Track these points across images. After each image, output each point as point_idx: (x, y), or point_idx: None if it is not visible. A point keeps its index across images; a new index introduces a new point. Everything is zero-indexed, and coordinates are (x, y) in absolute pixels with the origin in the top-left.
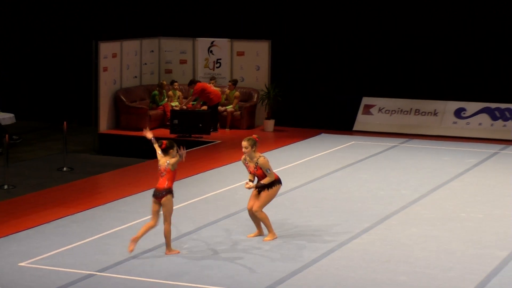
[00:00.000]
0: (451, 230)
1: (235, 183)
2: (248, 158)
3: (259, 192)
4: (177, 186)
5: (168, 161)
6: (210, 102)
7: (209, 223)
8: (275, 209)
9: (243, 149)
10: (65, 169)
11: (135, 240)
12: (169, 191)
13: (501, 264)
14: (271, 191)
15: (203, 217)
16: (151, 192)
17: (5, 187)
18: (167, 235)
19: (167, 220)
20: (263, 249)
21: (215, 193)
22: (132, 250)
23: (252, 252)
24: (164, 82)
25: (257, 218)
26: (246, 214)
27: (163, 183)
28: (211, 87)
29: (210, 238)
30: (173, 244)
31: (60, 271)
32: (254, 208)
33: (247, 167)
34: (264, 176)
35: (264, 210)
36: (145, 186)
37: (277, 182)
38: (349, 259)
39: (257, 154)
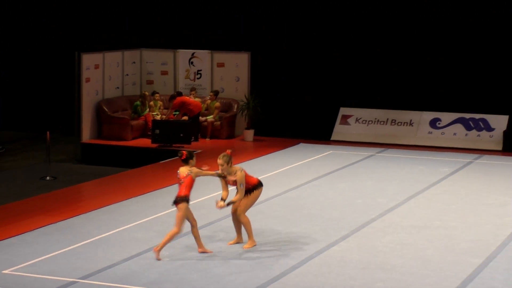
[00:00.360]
0: (426, 238)
1: (215, 192)
2: (225, 173)
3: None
4: (158, 195)
5: (190, 170)
6: (191, 113)
7: (189, 231)
8: (254, 217)
9: (220, 167)
10: (48, 178)
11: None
12: (185, 199)
13: (475, 271)
14: (253, 194)
15: (184, 226)
16: (132, 200)
17: None
18: (170, 236)
19: (178, 225)
20: (243, 256)
21: (195, 201)
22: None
23: (232, 259)
24: (146, 93)
25: (239, 222)
26: (225, 223)
27: (181, 191)
28: (191, 99)
29: (190, 245)
30: (154, 252)
31: (43, 278)
32: (238, 211)
33: (225, 181)
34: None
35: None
36: (126, 195)
37: (258, 185)
38: (327, 266)
39: (234, 169)
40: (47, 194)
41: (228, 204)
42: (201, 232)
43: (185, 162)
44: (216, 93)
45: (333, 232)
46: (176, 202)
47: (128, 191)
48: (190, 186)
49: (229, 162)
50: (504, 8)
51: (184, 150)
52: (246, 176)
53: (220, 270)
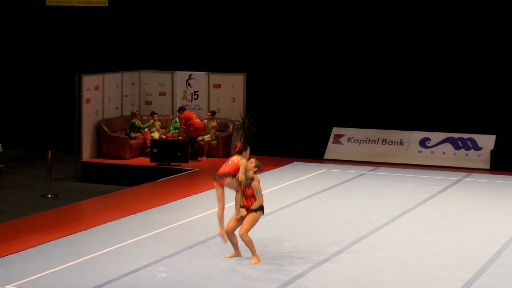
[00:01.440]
0: (416, 254)
1: (211, 209)
2: (247, 175)
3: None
4: (156, 212)
5: (239, 159)
6: (190, 133)
7: (187, 247)
8: (250, 234)
9: (249, 163)
10: (49, 196)
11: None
12: (230, 175)
13: (464, 287)
14: (255, 215)
15: (181, 242)
16: (131, 217)
17: None
18: (220, 214)
19: (238, 190)
20: (238, 272)
21: (192, 218)
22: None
23: (227, 275)
24: (136, 111)
25: (234, 238)
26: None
27: (224, 169)
28: (195, 120)
29: (187, 261)
30: (152, 268)
31: None
32: (240, 232)
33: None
34: (252, 195)
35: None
36: (125, 212)
37: (261, 209)
38: (320, 281)
39: (253, 176)
40: (48, 211)
41: (248, 212)
42: (198, 249)
43: (239, 153)
44: (213, 113)
45: (326, 248)
46: (221, 178)
47: (127, 208)
48: (235, 169)
49: (256, 167)
50: (489, 32)
51: (238, 143)
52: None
53: (216, 285)
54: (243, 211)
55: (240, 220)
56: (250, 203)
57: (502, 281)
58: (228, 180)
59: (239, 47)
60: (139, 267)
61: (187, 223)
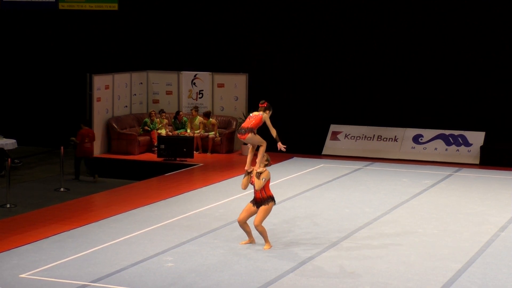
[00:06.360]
0: (409, 244)
1: (215, 202)
2: (258, 167)
3: (257, 206)
4: (163, 205)
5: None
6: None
7: (192, 238)
8: (251, 225)
9: (265, 156)
10: (62, 189)
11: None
12: (253, 130)
13: (455, 275)
14: (268, 206)
15: (187, 233)
16: (139, 210)
17: (7, 206)
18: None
19: (262, 144)
20: (241, 262)
21: (197, 211)
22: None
23: (230, 265)
24: (152, 111)
25: (247, 227)
26: (226, 230)
27: (249, 123)
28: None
29: (193, 251)
30: (159, 258)
31: (57, 282)
32: (255, 223)
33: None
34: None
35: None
36: (134, 205)
37: (273, 199)
38: (318, 270)
39: (264, 168)
40: (61, 204)
41: (256, 175)
42: (203, 239)
43: (263, 110)
44: (207, 114)
45: (324, 239)
46: (242, 132)
47: (136, 202)
48: (256, 124)
49: (267, 160)
50: (479, 33)
51: (266, 101)
52: (266, 185)
53: (220, 274)
54: (252, 168)
55: (251, 211)
56: (260, 195)
57: (490, 270)
58: (250, 135)
59: (241, 49)
60: (147, 257)
61: (193, 215)
